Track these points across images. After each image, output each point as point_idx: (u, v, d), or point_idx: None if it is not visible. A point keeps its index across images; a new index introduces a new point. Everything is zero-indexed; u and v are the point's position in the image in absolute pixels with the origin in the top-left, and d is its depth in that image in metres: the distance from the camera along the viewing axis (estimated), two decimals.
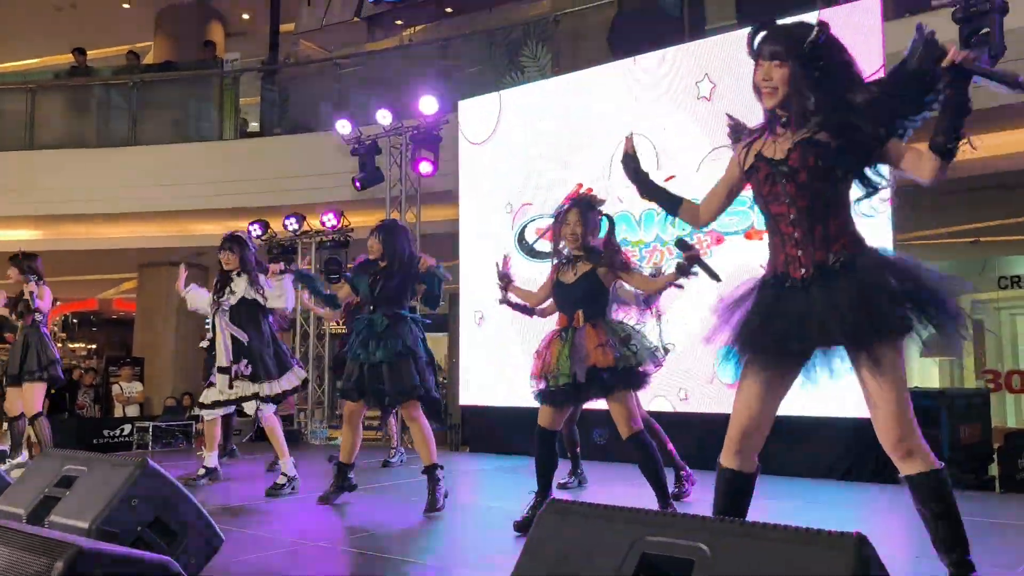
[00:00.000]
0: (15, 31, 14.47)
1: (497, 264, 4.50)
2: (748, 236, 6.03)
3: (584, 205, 4.03)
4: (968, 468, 5.67)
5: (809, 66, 2.41)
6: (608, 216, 4.08)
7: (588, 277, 3.97)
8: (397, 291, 4.47)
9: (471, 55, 10.17)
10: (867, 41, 5.70)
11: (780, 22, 2.55)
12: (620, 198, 6.40)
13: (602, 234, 4.05)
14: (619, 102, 6.89)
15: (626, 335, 3.89)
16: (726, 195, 2.75)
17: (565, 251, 4.07)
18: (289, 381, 5.28)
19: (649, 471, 3.89)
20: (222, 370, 5.23)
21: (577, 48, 8.83)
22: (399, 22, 13.06)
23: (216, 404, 5.30)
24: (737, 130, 2.75)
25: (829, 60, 2.42)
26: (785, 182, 2.45)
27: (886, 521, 4.42)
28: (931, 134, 2.35)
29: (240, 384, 5.15)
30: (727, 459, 2.49)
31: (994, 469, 6.21)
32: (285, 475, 5.02)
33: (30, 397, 6.17)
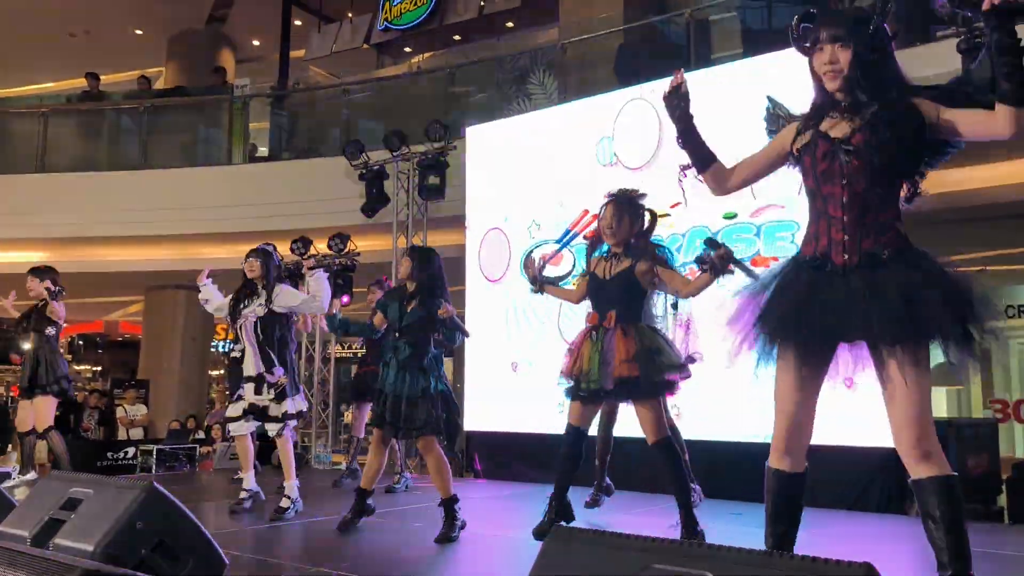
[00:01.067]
0: (30, 57, 14.67)
1: (533, 261, 4.39)
2: (754, 263, 6.04)
3: (622, 200, 3.97)
4: (976, 499, 5.62)
5: (869, 51, 2.41)
6: (651, 211, 4.03)
7: (625, 275, 3.90)
8: (423, 320, 4.32)
9: (479, 82, 10.26)
10: None
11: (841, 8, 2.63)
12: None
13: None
14: (630, 128, 6.93)
15: (656, 347, 3.84)
16: (764, 167, 2.69)
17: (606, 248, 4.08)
18: (303, 402, 5.23)
19: (674, 478, 3.87)
20: (249, 379, 5.05)
21: (584, 76, 8.91)
22: (407, 49, 13.21)
23: (245, 414, 5.05)
24: (775, 115, 2.73)
25: (885, 47, 2.45)
26: (846, 160, 2.40)
27: (895, 551, 4.38)
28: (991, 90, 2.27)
29: (268, 393, 4.99)
30: (776, 460, 2.42)
31: (1003, 500, 6.15)
32: (288, 497, 4.96)
33: (42, 411, 6.17)
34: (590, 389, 3.89)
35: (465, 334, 4.41)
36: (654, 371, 3.78)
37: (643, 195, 4.05)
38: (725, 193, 2.80)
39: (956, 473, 2.34)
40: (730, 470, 5.46)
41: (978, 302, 2.31)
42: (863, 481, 5.48)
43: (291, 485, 5.02)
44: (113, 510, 2.65)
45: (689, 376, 4.01)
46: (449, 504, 4.29)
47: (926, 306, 2.25)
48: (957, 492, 2.31)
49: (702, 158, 2.74)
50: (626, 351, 3.79)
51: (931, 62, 6.42)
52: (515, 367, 7.32)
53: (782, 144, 2.62)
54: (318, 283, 5.07)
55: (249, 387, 5.04)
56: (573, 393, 4.00)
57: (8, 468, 6.47)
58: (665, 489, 5.54)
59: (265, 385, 4.99)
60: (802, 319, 2.34)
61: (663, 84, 7.01)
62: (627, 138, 6.94)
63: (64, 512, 2.85)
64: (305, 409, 5.32)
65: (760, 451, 2.54)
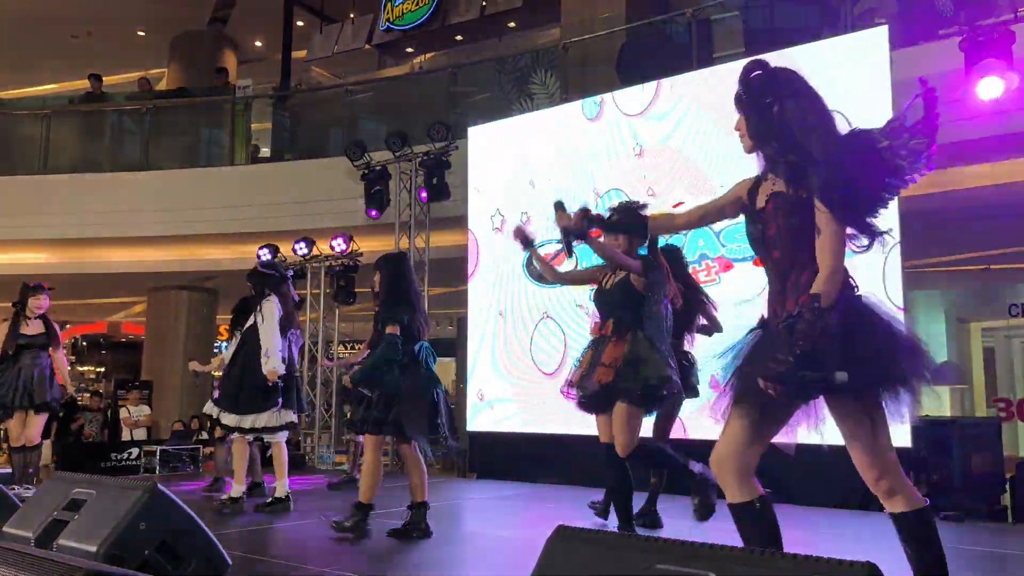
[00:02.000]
0: (32, 58, 14.68)
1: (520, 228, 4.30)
2: (756, 263, 6.03)
3: (624, 212, 3.95)
4: (980, 498, 5.61)
5: (762, 110, 2.31)
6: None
7: (622, 284, 4.00)
8: (380, 334, 4.29)
9: (481, 82, 10.26)
10: (875, 70, 5.73)
11: (750, 60, 2.45)
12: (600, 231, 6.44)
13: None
14: (629, 129, 6.93)
15: (642, 356, 3.83)
16: (714, 212, 2.63)
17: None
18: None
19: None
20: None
21: (586, 75, 8.90)
22: (410, 50, 13.19)
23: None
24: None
25: (782, 102, 2.30)
26: (762, 230, 2.37)
27: (898, 551, 4.37)
28: None
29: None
30: (733, 496, 2.36)
31: (1006, 499, 6.14)
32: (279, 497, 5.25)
33: (39, 426, 6.14)
34: (580, 396, 4.03)
35: (390, 353, 4.24)
36: (629, 379, 3.79)
37: (644, 205, 4.00)
38: (678, 231, 2.90)
39: (927, 503, 2.36)
40: None
41: (909, 355, 2.26)
42: None
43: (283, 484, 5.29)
44: (116, 511, 2.65)
45: (673, 393, 3.95)
46: (362, 507, 4.33)
47: (853, 356, 2.19)
48: (927, 524, 2.33)
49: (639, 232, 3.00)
50: (611, 357, 3.86)
51: (935, 61, 6.42)
52: (515, 368, 7.32)
53: (740, 194, 2.53)
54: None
55: None
56: (577, 404, 4.11)
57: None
58: (671, 489, 5.55)
59: None
60: (745, 376, 2.30)
61: (663, 84, 6.98)
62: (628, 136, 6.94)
63: (67, 513, 2.85)
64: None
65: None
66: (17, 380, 6.02)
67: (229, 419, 5.22)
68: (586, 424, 4.50)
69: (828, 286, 2.20)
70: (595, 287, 4.21)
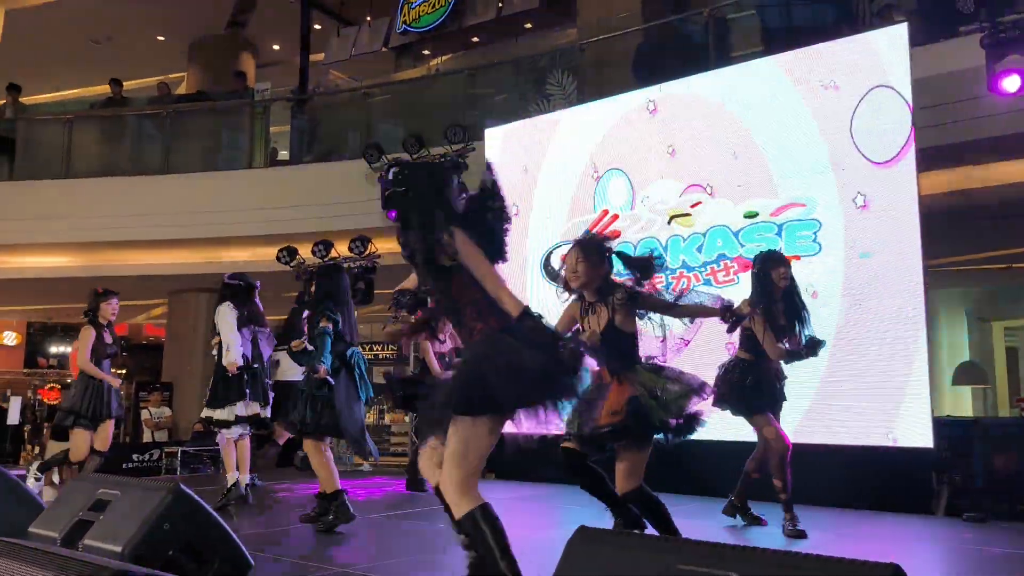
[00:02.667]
0: (54, 64, 14.84)
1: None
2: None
3: (586, 245, 3.78)
4: (1003, 499, 5.55)
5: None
6: (615, 253, 3.82)
7: (608, 330, 3.67)
8: (318, 321, 4.91)
9: (497, 84, 10.27)
10: (894, 69, 5.69)
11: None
12: (643, 226, 6.42)
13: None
14: (646, 128, 6.92)
15: (648, 390, 3.59)
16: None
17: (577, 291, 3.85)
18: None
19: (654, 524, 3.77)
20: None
21: (602, 76, 8.89)
22: (426, 52, 13.23)
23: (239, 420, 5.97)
24: None
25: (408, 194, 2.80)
26: None
27: (921, 551, 4.34)
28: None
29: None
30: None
31: None
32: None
33: (105, 437, 6.21)
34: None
35: (313, 370, 4.77)
36: (630, 416, 3.56)
37: (610, 238, 3.91)
38: None
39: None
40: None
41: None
42: (887, 480, 5.44)
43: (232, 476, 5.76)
44: (141, 511, 2.68)
45: (672, 429, 3.64)
46: (329, 496, 4.69)
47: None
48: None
49: None
50: (617, 400, 3.62)
51: (955, 58, 6.36)
52: None
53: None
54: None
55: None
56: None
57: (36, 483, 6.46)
58: (701, 491, 5.52)
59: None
60: None
61: (679, 84, 6.96)
62: (647, 139, 6.93)
63: (93, 513, 2.89)
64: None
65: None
66: (103, 391, 6.14)
67: (206, 412, 5.97)
68: None
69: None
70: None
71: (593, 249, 3.76)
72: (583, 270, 3.72)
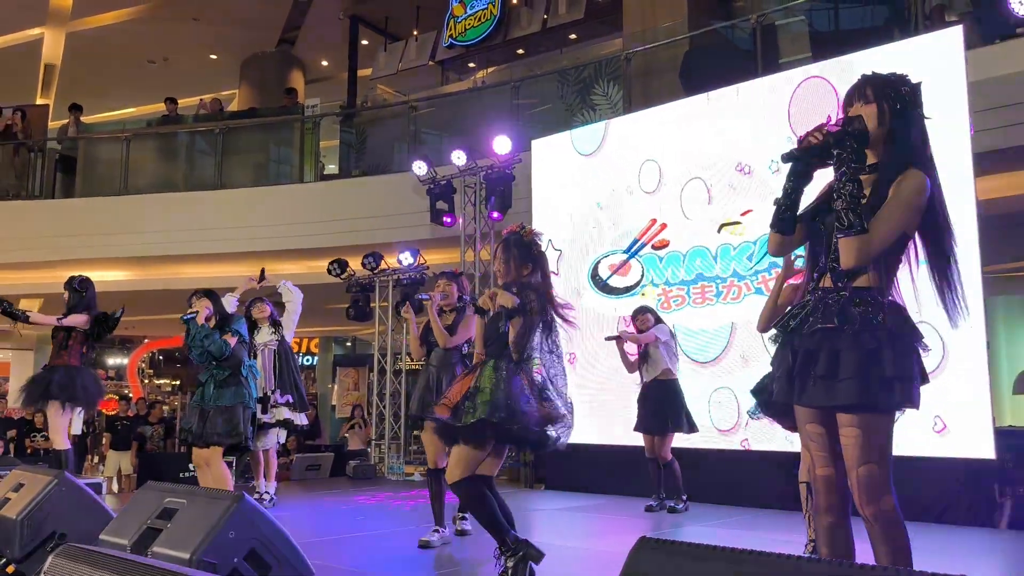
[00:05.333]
0: (112, 84, 15.33)
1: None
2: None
3: (511, 240, 3.63)
4: None
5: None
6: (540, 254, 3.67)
7: (496, 317, 3.55)
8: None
9: (543, 95, 10.31)
10: (949, 72, 5.59)
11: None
12: (667, 240, 6.43)
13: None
14: (693, 137, 6.89)
15: (484, 388, 3.40)
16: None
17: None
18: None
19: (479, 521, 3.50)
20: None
21: (648, 85, 8.88)
22: (472, 65, 13.36)
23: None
24: None
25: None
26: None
27: (983, 565, 4.24)
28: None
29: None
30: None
31: None
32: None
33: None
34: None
35: (222, 349, 5.08)
36: (468, 407, 3.38)
37: (535, 233, 3.65)
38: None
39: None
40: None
41: None
42: (951, 493, 5.32)
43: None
44: (207, 519, 2.75)
45: (508, 429, 3.35)
46: None
47: None
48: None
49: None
50: (462, 385, 3.52)
51: (1012, 59, 6.23)
52: (588, 375, 7.31)
53: None
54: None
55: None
56: None
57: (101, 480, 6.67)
58: (743, 502, 5.45)
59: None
60: None
61: (728, 92, 6.95)
62: (694, 148, 6.90)
63: (160, 521, 2.96)
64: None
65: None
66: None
67: None
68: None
69: None
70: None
71: (516, 242, 3.61)
72: (503, 268, 3.59)
